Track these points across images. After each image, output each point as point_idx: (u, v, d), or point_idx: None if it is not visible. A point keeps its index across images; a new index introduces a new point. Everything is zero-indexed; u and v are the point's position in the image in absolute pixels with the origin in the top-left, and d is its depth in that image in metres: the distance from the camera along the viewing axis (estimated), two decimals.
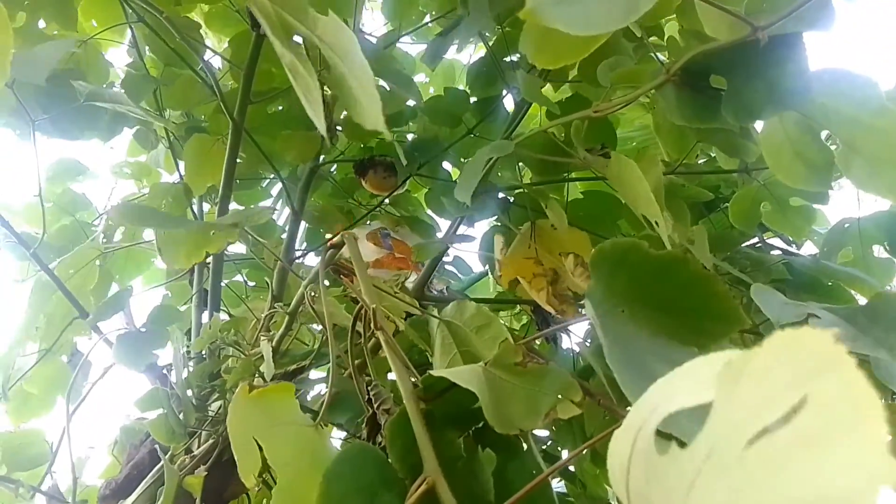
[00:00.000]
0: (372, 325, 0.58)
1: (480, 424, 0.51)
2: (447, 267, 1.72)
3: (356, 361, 0.77)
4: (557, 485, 1.47)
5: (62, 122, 1.11)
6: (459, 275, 1.76)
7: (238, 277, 1.76)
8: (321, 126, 0.68)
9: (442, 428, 0.52)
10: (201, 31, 1.53)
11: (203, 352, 1.18)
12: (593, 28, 0.44)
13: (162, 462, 0.96)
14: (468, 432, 0.53)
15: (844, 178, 0.70)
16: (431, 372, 0.51)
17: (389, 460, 0.51)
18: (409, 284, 1.43)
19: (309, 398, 1.16)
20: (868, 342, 0.82)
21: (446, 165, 1.55)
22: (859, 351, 0.80)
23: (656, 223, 0.72)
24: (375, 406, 0.58)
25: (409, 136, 1.62)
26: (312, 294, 0.79)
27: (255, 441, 0.52)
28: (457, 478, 0.49)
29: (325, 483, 0.49)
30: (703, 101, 0.64)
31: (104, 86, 1.33)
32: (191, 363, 1.27)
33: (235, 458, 0.52)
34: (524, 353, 0.53)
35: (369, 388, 0.60)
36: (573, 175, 1.36)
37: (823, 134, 0.69)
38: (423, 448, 0.47)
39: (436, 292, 1.52)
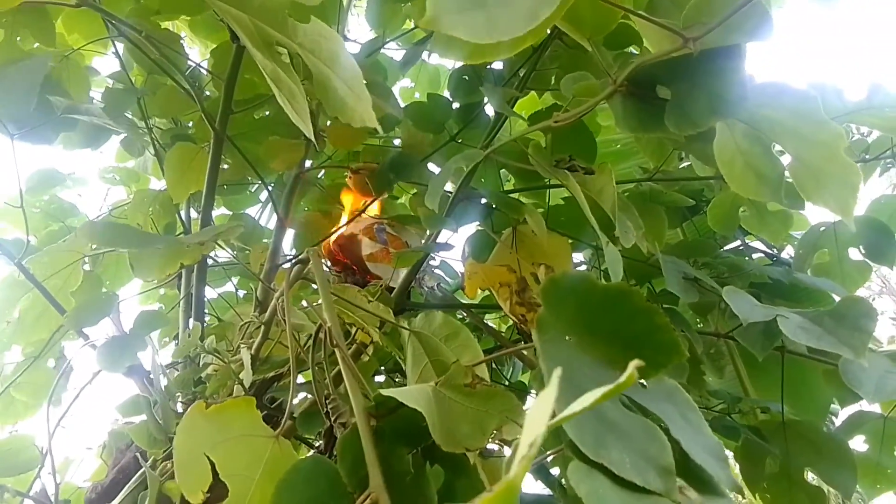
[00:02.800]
0: (329, 341, 0.60)
1: (430, 442, 0.53)
2: (435, 271, 1.73)
3: (335, 369, 0.79)
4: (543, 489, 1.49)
5: (41, 130, 1.12)
6: (447, 278, 1.77)
7: (229, 286, 1.78)
8: (308, 131, 0.70)
9: (392, 444, 0.54)
10: (187, 38, 1.55)
11: (187, 358, 1.20)
12: (496, 35, 0.44)
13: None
14: (417, 449, 0.55)
15: None
16: (382, 391, 0.53)
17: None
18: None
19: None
20: (832, 341, 0.84)
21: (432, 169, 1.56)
22: (823, 348, 0.83)
23: (615, 236, 0.74)
24: (333, 420, 0.60)
25: (396, 142, 1.64)
26: (283, 305, 0.81)
27: (207, 458, 0.54)
28: (403, 493, 0.51)
29: (276, 493, 0.51)
30: (649, 111, 0.65)
31: (88, 95, 1.34)
32: (178, 368, 1.29)
33: (176, 477, 0.53)
34: (473, 375, 0.54)
35: (328, 401, 0.61)
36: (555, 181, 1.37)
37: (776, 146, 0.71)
38: (370, 464, 0.49)
39: (426, 289, 1.53)
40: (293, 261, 0.77)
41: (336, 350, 0.57)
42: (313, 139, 0.73)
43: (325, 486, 0.53)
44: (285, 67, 0.70)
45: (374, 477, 0.49)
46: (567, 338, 0.52)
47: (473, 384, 0.54)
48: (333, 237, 1.54)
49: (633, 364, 0.29)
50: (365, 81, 1.29)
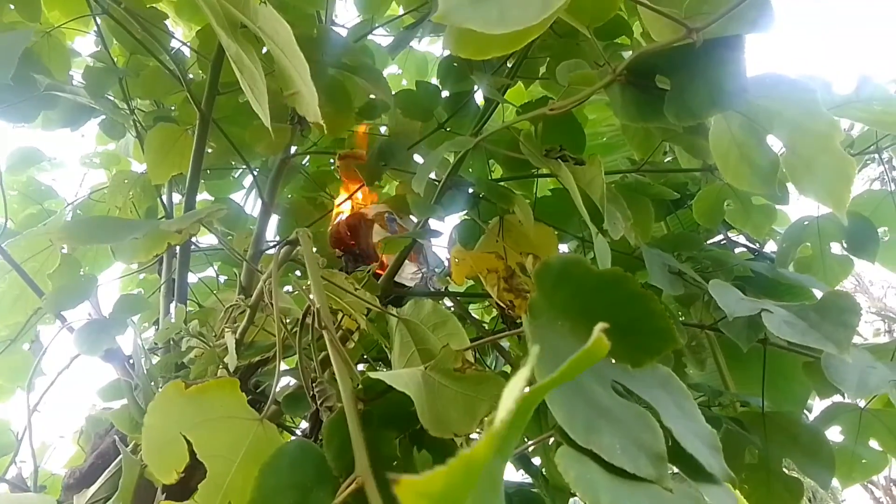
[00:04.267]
0: (317, 324, 0.59)
1: (418, 427, 0.52)
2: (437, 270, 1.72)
3: (322, 353, 0.78)
4: (524, 477, 1.50)
5: (22, 107, 1.10)
6: (435, 269, 1.77)
7: (210, 271, 1.75)
8: (265, 118, 0.69)
9: (380, 428, 0.53)
10: (171, 19, 1.52)
11: (170, 342, 1.19)
12: (508, 26, 0.44)
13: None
14: (405, 434, 0.54)
15: None
16: (370, 374, 0.52)
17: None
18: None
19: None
20: (816, 336, 0.84)
21: (418, 159, 1.55)
22: (808, 344, 0.83)
23: (604, 228, 0.73)
24: (319, 403, 0.59)
25: (383, 129, 1.62)
26: (270, 288, 0.80)
27: (185, 438, 0.53)
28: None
29: (260, 476, 0.51)
30: (648, 101, 0.65)
31: (69, 74, 1.31)
32: (159, 352, 1.28)
33: (145, 456, 0.52)
34: (463, 359, 0.54)
35: (314, 384, 0.61)
36: (542, 171, 1.37)
37: (770, 138, 0.71)
38: (357, 448, 0.48)
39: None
40: (282, 242, 0.76)
41: (324, 332, 0.57)
42: (269, 127, 0.72)
43: (311, 470, 0.52)
44: (248, 51, 0.69)
45: (360, 461, 0.48)
46: (559, 323, 0.51)
47: (463, 369, 0.54)
48: (342, 217, 1.49)
49: (599, 327, 0.28)
50: (355, 66, 1.29)
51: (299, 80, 0.68)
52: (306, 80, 0.66)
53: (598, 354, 0.29)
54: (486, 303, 1.72)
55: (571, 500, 1.48)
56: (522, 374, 0.26)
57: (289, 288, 1.20)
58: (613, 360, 0.53)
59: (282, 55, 0.68)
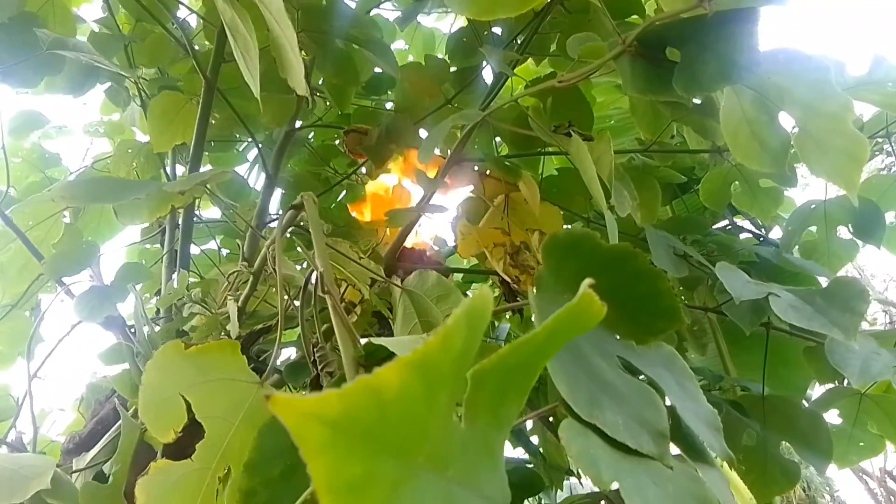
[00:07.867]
0: (320, 289, 0.58)
1: None
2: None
3: (325, 325, 0.78)
4: (522, 454, 1.50)
5: (24, 70, 1.08)
6: (435, 247, 1.76)
7: (212, 244, 1.75)
8: (255, 89, 0.69)
9: None
10: None
11: (171, 310, 1.18)
12: None
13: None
14: None
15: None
16: (373, 339, 0.52)
17: None
18: None
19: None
20: (822, 321, 0.84)
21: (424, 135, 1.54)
22: (814, 329, 0.82)
23: (610, 205, 0.73)
24: (319, 368, 0.59)
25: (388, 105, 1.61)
26: (273, 254, 0.79)
27: (184, 399, 0.53)
28: None
29: (258, 438, 0.50)
30: (657, 73, 0.64)
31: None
32: (160, 322, 1.28)
33: (141, 414, 0.52)
34: None
35: (315, 350, 0.60)
36: (549, 150, 1.36)
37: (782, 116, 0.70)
38: None
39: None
40: (288, 207, 0.75)
41: (327, 297, 0.56)
42: (258, 97, 0.72)
43: None
44: (244, 18, 0.69)
45: None
46: (565, 297, 0.51)
47: None
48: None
49: (587, 283, 0.27)
50: (363, 38, 1.27)
51: (289, 50, 0.68)
52: (295, 50, 0.66)
53: (589, 313, 0.28)
54: (490, 281, 1.71)
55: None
56: (463, 304, 0.23)
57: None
58: (618, 337, 0.52)
59: (275, 23, 0.68)
